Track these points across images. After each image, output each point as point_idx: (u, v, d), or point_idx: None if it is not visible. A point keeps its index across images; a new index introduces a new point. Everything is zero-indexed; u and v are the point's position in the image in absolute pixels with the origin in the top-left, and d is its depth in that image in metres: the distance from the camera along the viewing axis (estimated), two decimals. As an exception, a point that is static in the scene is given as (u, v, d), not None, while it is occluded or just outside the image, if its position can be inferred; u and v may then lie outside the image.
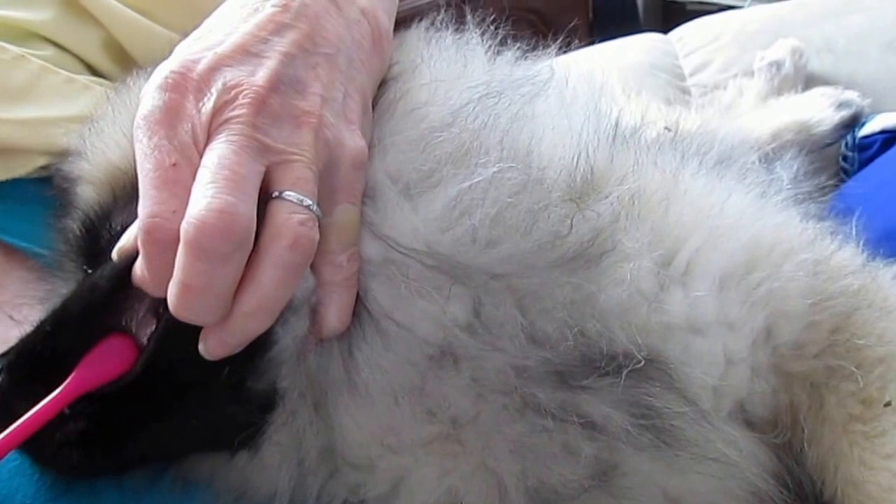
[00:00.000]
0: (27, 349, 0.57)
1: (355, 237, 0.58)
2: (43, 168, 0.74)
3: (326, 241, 0.55)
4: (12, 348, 0.58)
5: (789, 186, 0.75)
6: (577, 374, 0.58)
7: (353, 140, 0.58)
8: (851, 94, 1.23)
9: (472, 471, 0.60)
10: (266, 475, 0.62)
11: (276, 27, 0.58)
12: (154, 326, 0.56)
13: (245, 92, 0.53)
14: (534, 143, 0.60)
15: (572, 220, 0.57)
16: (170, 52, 0.59)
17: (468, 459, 0.60)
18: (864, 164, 1.22)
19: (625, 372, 0.57)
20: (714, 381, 0.60)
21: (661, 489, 0.60)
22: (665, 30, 1.76)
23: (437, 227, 0.58)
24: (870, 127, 1.22)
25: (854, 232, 0.70)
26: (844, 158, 1.23)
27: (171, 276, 0.50)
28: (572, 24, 0.81)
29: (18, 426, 0.52)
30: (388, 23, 0.66)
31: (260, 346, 0.57)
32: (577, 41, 0.75)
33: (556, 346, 0.58)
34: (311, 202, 0.52)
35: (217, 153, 0.51)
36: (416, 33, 0.71)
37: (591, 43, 1.72)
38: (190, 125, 0.52)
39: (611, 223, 0.59)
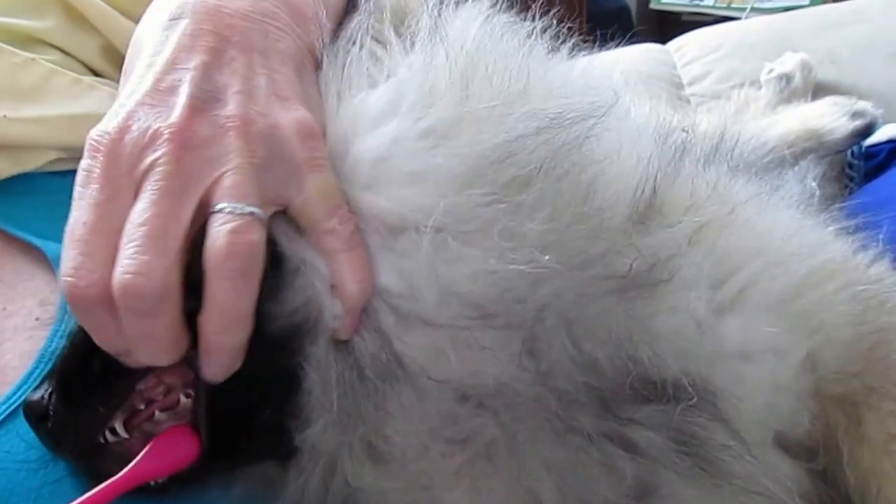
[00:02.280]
0: (71, 365, 0.58)
1: (337, 199, 0.57)
2: (52, 162, 0.76)
3: (311, 213, 0.56)
4: (55, 367, 0.59)
5: (818, 200, 0.74)
6: (623, 402, 0.56)
7: (289, 115, 0.57)
8: (865, 104, 1.22)
9: (507, 490, 0.57)
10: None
11: (182, 45, 0.58)
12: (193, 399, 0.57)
13: (162, 132, 0.54)
14: (596, 178, 0.57)
15: (632, 261, 0.55)
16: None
17: (503, 478, 0.57)
18: (869, 172, 1.21)
19: (678, 409, 0.55)
20: (761, 409, 0.58)
21: None
22: (660, 41, 1.76)
23: (479, 290, 0.55)
24: (876, 136, 1.21)
25: (881, 247, 0.69)
26: (850, 167, 1.22)
27: (102, 330, 0.53)
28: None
29: None
30: None
31: (290, 384, 0.57)
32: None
33: (605, 374, 0.55)
34: (243, 205, 0.53)
35: (139, 207, 0.52)
36: (471, 13, 0.64)
37: (586, 52, 1.70)
38: (107, 183, 0.53)
39: (671, 254, 0.57)
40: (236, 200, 0.52)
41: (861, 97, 1.28)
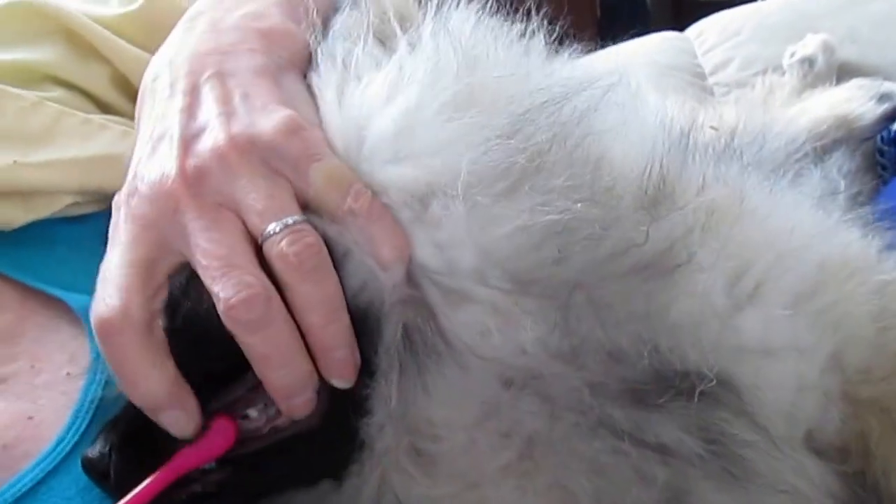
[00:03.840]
0: (131, 425, 0.58)
1: (346, 179, 0.57)
2: (69, 207, 0.76)
3: (327, 202, 0.57)
4: (114, 424, 0.59)
5: (842, 192, 0.72)
6: (651, 393, 0.56)
7: (270, 118, 0.58)
8: (892, 85, 1.18)
9: (546, 489, 0.58)
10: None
11: (166, 94, 0.63)
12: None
13: (170, 179, 0.56)
14: (604, 153, 0.57)
15: (648, 228, 0.55)
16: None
17: (543, 476, 0.58)
18: (897, 159, 1.18)
19: (697, 391, 0.55)
20: (787, 406, 0.58)
21: None
22: (678, 27, 1.72)
23: (512, 252, 0.55)
24: (904, 119, 1.18)
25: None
26: (881, 153, 1.18)
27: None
28: (579, 22, 0.76)
29: None
30: (276, 18, 0.68)
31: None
32: (585, 41, 0.70)
33: (630, 361, 0.56)
34: (285, 218, 0.55)
35: (200, 249, 0.54)
36: (463, 15, 0.65)
37: (601, 43, 1.67)
38: (134, 227, 0.57)
39: (684, 235, 0.57)
40: (275, 219, 0.55)
41: (885, 77, 1.24)
